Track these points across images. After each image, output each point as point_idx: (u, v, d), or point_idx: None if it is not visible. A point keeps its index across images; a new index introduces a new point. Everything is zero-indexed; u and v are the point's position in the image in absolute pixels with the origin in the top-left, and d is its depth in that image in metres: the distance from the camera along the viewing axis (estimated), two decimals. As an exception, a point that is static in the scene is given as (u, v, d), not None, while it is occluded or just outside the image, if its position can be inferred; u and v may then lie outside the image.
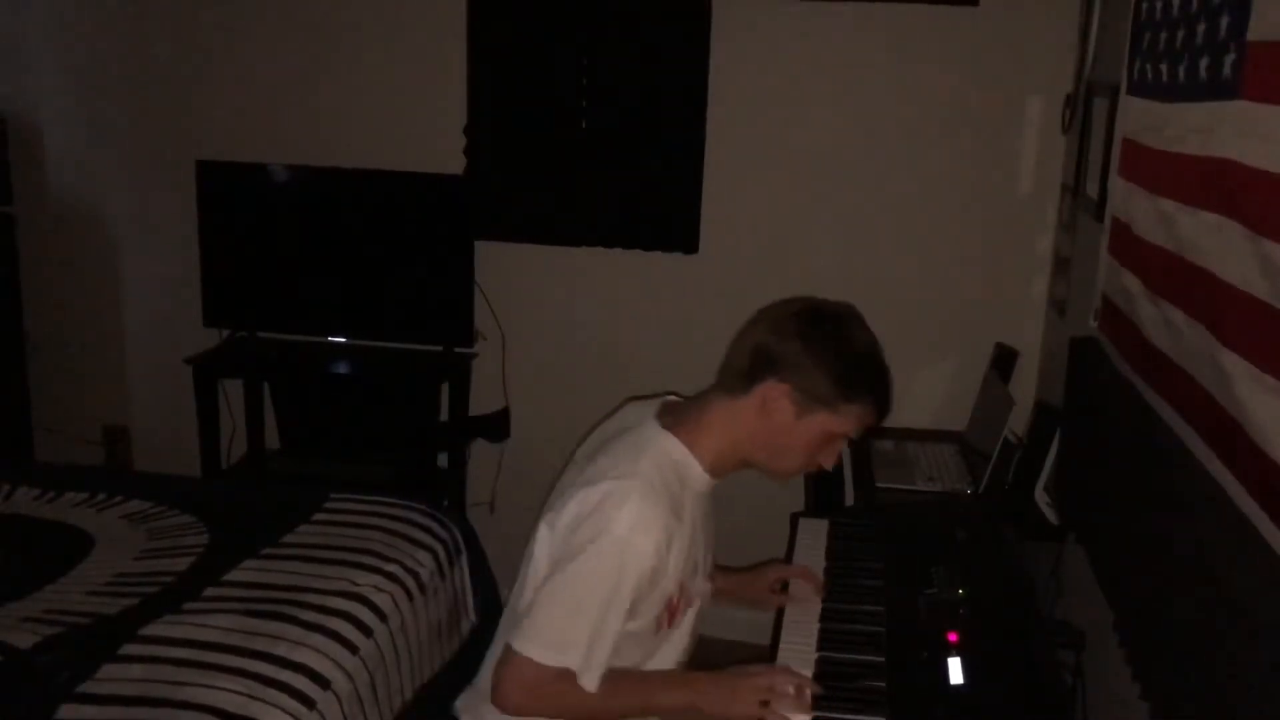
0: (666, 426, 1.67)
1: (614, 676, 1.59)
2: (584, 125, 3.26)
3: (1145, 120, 1.81)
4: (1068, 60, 2.79)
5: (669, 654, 1.73)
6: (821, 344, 1.60)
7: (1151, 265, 1.68)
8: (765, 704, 1.58)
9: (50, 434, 3.81)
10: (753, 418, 1.63)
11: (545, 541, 1.62)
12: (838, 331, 1.63)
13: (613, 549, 1.53)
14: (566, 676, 1.55)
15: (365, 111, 3.41)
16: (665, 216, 3.26)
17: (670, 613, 1.67)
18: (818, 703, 1.59)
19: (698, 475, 1.66)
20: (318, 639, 2.05)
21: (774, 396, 1.61)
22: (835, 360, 1.60)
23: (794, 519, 2.29)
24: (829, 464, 1.68)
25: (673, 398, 1.78)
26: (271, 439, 3.58)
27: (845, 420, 1.62)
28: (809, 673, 1.66)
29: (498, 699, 1.60)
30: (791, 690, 1.59)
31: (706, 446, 1.66)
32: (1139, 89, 1.87)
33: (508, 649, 1.59)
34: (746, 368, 1.64)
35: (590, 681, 1.56)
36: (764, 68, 3.14)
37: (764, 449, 1.66)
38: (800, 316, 1.64)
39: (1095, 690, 1.87)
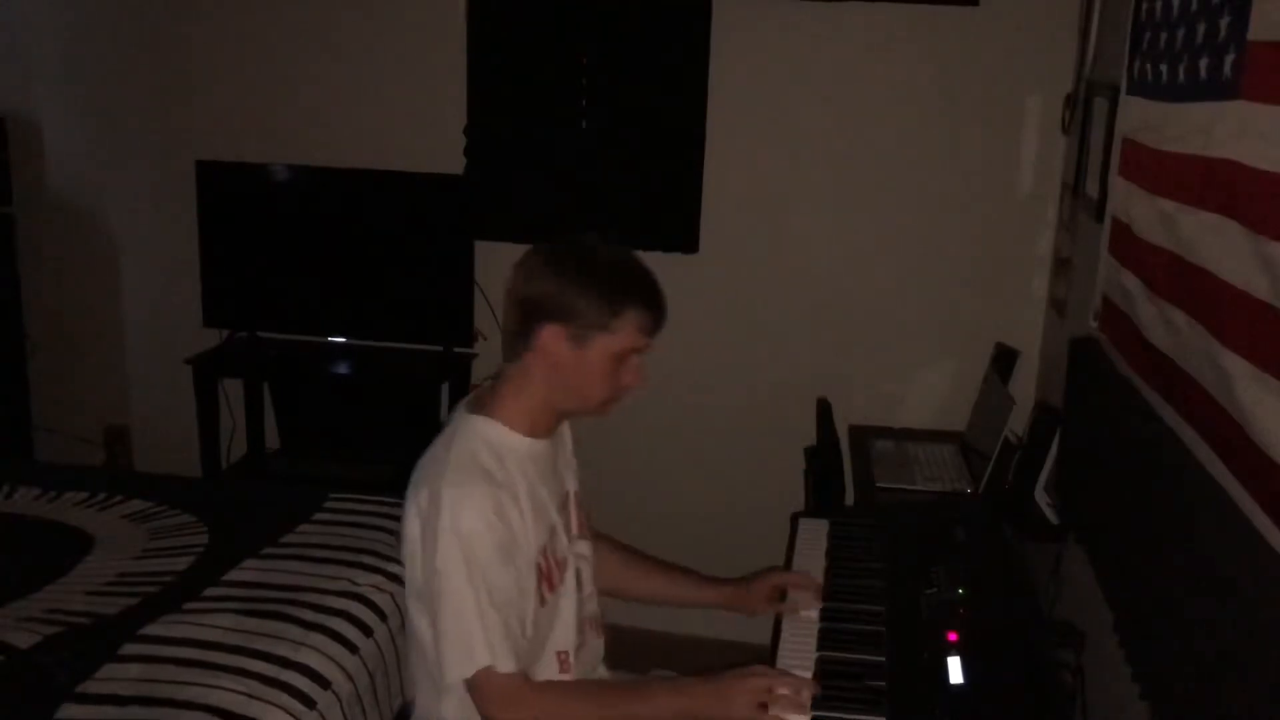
0: (473, 410, 1.68)
1: (608, 685, 1.59)
2: (584, 125, 3.26)
3: (1145, 120, 1.81)
4: (1068, 60, 2.79)
5: (565, 620, 1.72)
6: (572, 273, 1.61)
7: (1151, 265, 1.68)
8: (762, 707, 1.58)
9: (50, 434, 3.81)
10: (543, 370, 1.64)
11: (415, 557, 1.63)
12: (583, 255, 1.64)
13: (451, 545, 1.55)
14: (498, 674, 1.56)
15: (365, 111, 3.41)
16: (665, 216, 3.26)
17: (547, 580, 1.67)
18: (817, 703, 1.59)
19: (517, 441, 1.66)
20: (318, 639, 2.04)
21: (549, 340, 1.61)
22: (589, 281, 1.60)
23: (794, 519, 2.29)
24: (634, 383, 1.68)
25: (485, 382, 1.78)
26: (271, 439, 3.58)
27: (624, 335, 1.62)
28: (809, 673, 1.66)
29: None
30: (788, 692, 1.59)
31: (514, 411, 1.67)
32: (1139, 89, 1.87)
33: (457, 684, 1.60)
34: (518, 325, 1.64)
35: (506, 664, 1.56)
36: (764, 68, 3.14)
37: (565, 393, 1.67)
38: (546, 256, 1.65)
39: (1095, 690, 1.87)
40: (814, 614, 1.86)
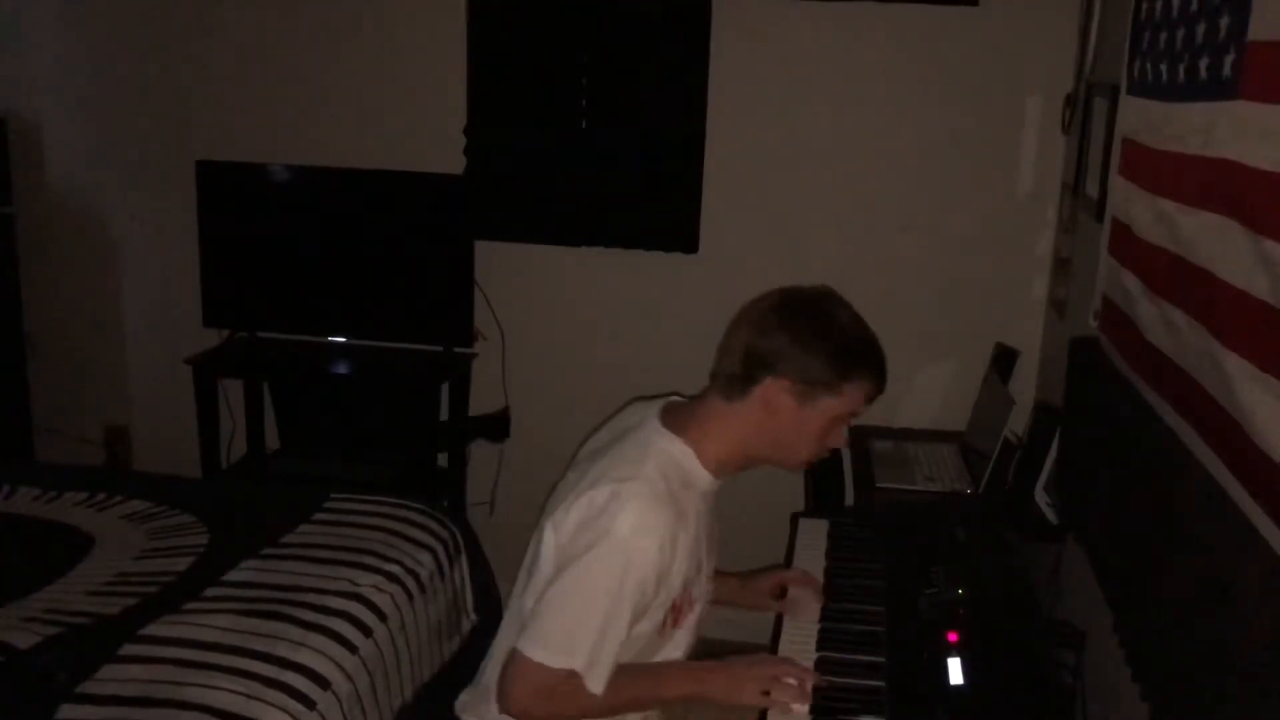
0: (670, 428, 1.67)
1: (617, 671, 1.59)
2: (584, 125, 3.26)
3: (1145, 120, 1.81)
4: (1068, 60, 2.79)
5: (671, 655, 1.73)
6: (808, 330, 1.61)
7: (1151, 265, 1.68)
8: (767, 694, 1.60)
9: (50, 434, 3.81)
10: (757, 419, 1.64)
11: (550, 544, 1.62)
12: (820, 314, 1.64)
13: (617, 551, 1.53)
14: (573, 678, 1.55)
15: (365, 111, 3.41)
16: (665, 216, 3.26)
17: (675, 615, 1.67)
18: (820, 694, 1.59)
19: (702, 477, 1.66)
20: (318, 639, 2.04)
21: (774, 393, 1.61)
22: (825, 343, 1.61)
23: (794, 519, 2.29)
24: (839, 444, 1.69)
25: (676, 398, 1.78)
26: (271, 439, 3.58)
27: (849, 399, 1.63)
28: (809, 671, 1.67)
29: (506, 703, 1.60)
30: (794, 680, 1.60)
31: (710, 449, 1.67)
32: (1139, 89, 1.87)
33: (514, 653, 1.58)
34: (740, 372, 1.64)
35: (596, 683, 1.56)
36: (764, 68, 3.14)
37: (774, 445, 1.67)
38: (781, 309, 1.65)
39: (1095, 690, 1.87)
40: (813, 619, 1.86)
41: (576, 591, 1.55)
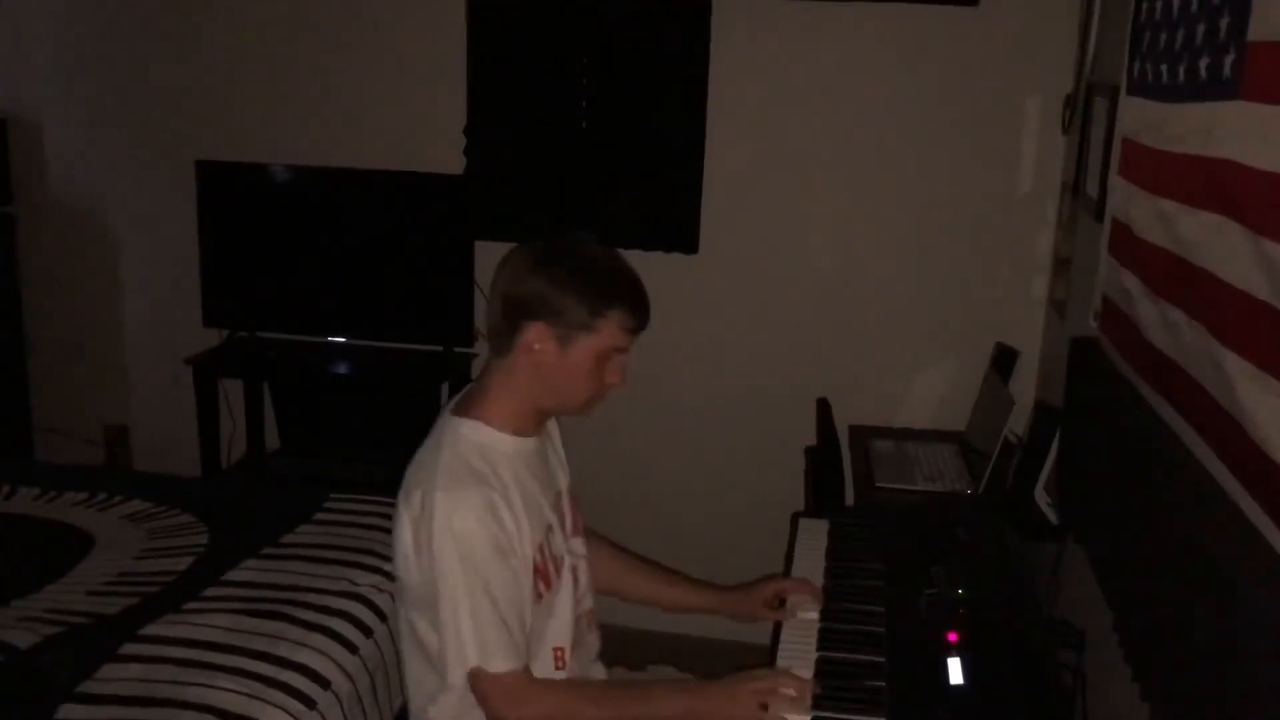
0: (459, 412, 1.68)
1: (614, 686, 1.60)
2: (584, 125, 3.26)
3: (1145, 120, 1.81)
4: (1068, 60, 2.79)
5: (562, 617, 1.73)
6: (557, 272, 1.61)
7: (1151, 265, 1.68)
8: (765, 707, 1.59)
9: (50, 434, 3.81)
10: (526, 369, 1.64)
11: (409, 559, 1.63)
12: (568, 254, 1.65)
13: (447, 545, 1.56)
14: (515, 673, 1.58)
15: (365, 111, 3.41)
16: (665, 216, 3.26)
17: (543, 577, 1.68)
18: (818, 703, 1.59)
19: (501, 441, 1.66)
20: (318, 639, 2.05)
21: (535, 339, 1.62)
22: (574, 280, 1.61)
23: (794, 519, 2.29)
24: (619, 381, 1.68)
25: (471, 384, 1.78)
26: (271, 439, 3.58)
27: (607, 335, 1.63)
28: (809, 673, 1.67)
29: None
30: (792, 693, 1.59)
31: (498, 413, 1.67)
32: (1139, 89, 1.87)
33: (466, 679, 1.60)
34: (502, 323, 1.65)
35: (505, 664, 1.57)
36: (764, 68, 3.14)
37: (550, 393, 1.67)
38: (531, 255, 1.65)
39: (1095, 690, 1.87)
40: (813, 615, 1.86)
41: (444, 603, 1.57)
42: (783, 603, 1.93)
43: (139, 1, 3.53)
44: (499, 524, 1.58)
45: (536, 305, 1.61)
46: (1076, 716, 1.86)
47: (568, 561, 1.75)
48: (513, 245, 1.71)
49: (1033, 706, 1.59)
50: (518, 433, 1.68)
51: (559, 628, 1.72)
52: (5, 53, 3.65)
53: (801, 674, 1.65)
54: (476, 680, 1.59)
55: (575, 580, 1.77)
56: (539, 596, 1.67)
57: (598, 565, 1.90)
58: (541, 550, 1.67)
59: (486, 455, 1.63)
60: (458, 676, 1.59)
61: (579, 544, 1.83)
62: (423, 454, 1.67)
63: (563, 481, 1.82)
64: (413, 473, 1.65)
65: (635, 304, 1.65)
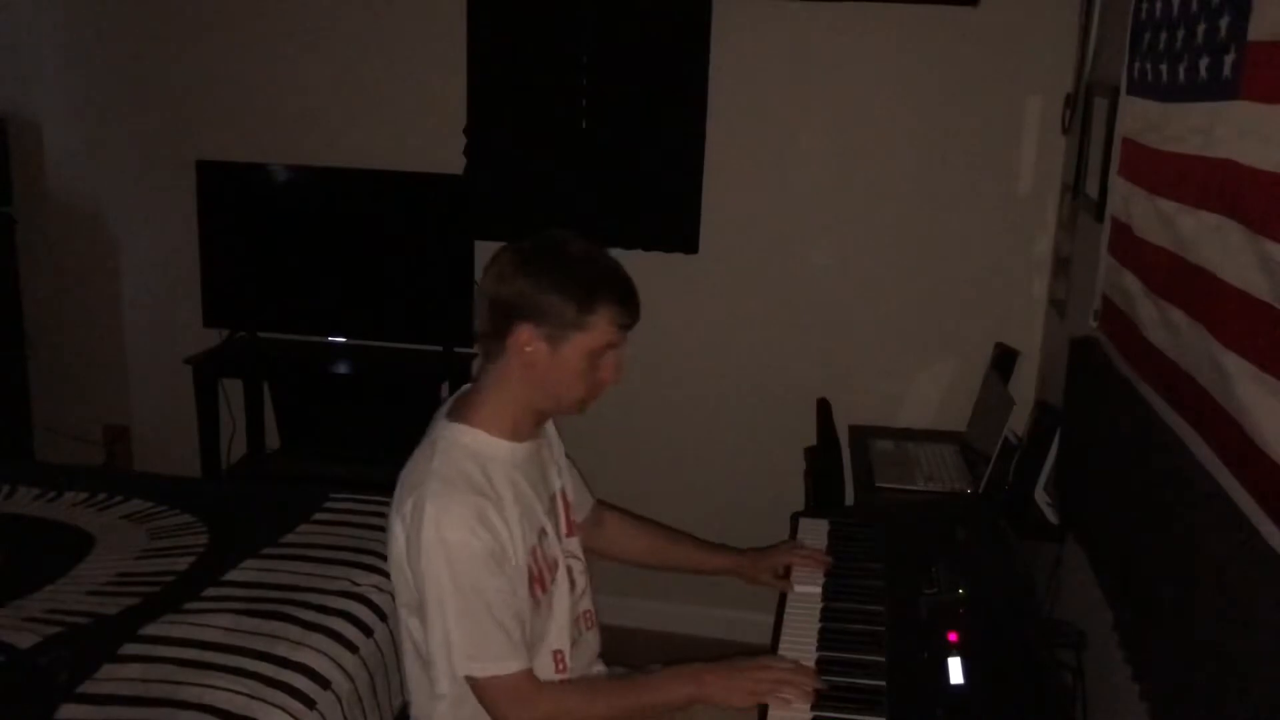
0: (455, 417, 1.68)
1: (617, 679, 1.60)
2: (584, 125, 3.26)
3: (1145, 120, 1.81)
4: (1068, 60, 2.79)
5: (559, 619, 1.73)
6: (543, 272, 1.61)
7: (1151, 265, 1.68)
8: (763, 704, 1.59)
9: (50, 434, 3.81)
10: (519, 371, 1.64)
11: (403, 567, 1.63)
12: (553, 252, 1.64)
13: (437, 553, 1.55)
14: (517, 675, 1.58)
15: (365, 111, 3.41)
16: (665, 216, 3.26)
17: (538, 581, 1.68)
18: (819, 696, 1.59)
19: (499, 448, 1.66)
20: (318, 639, 2.05)
21: (525, 340, 1.61)
22: (561, 279, 1.60)
23: (794, 519, 2.29)
24: (613, 378, 1.68)
25: (466, 386, 1.78)
26: (271, 439, 3.58)
27: (598, 332, 1.62)
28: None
29: None
30: (788, 698, 1.60)
31: (493, 416, 1.66)
32: (1139, 89, 1.87)
33: (467, 680, 1.60)
34: (491, 326, 1.64)
35: (504, 667, 1.57)
36: (764, 68, 3.14)
37: (545, 394, 1.67)
38: (516, 255, 1.65)
39: (1095, 690, 1.87)
40: (813, 589, 1.89)
41: (433, 609, 1.57)
42: (788, 573, 1.96)
43: (139, 2, 3.52)
44: (491, 532, 1.58)
45: (524, 306, 1.60)
46: (1076, 716, 1.86)
47: (562, 563, 1.75)
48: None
49: (1032, 706, 1.59)
50: (514, 437, 1.68)
51: (557, 630, 1.72)
52: (5, 53, 3.65)
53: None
54: (480, 688, 1.59)
55: (571, 581, 1.77)
56: (535, 601, 1.67)
57: (619, 537, 1.94)
58: (535, 554, 1.68)
59: (480, 461, 1.63)
60: (445, 686, 1.60)
61: (574, 544, 1.83)
62: (415, 460, 1.66)
63: (558, 483, 1.82)
64: (405, 479, 1.65)
65: (624, 298, 1.64)
